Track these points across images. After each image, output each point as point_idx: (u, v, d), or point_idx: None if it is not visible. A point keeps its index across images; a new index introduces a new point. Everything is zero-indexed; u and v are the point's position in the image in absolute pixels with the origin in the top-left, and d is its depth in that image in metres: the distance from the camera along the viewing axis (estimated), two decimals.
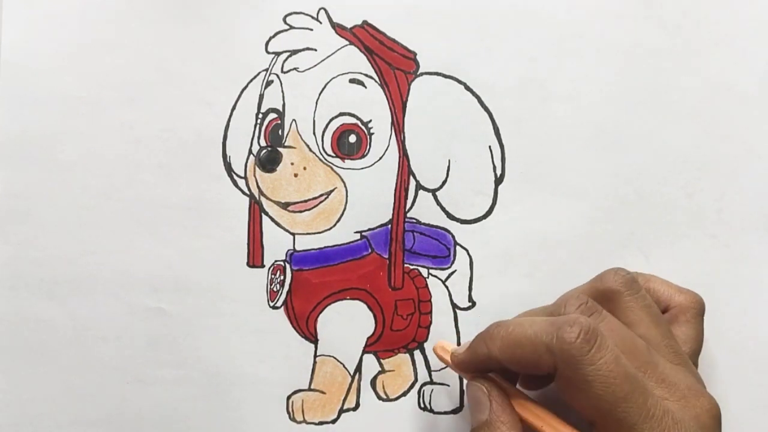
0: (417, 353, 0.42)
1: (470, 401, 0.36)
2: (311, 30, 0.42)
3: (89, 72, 0.42)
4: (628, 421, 0.31)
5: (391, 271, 0.42)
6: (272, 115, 0.42)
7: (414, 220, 0.42)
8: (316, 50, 0.42)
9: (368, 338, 0.42)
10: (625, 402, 0.31)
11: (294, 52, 0.42)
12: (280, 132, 0.42)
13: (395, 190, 0.42)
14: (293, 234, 0.42)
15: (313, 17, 0.42)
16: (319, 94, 0.42)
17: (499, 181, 0.42)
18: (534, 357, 0.33)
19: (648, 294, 0.37)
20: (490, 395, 0.35)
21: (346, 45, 0.42)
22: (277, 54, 0.42)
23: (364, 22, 0.42)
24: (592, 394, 0.31)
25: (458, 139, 0.42)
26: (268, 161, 0.42)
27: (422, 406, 0.42)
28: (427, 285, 0.42)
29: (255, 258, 0.42)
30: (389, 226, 0.42)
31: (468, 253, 0.42)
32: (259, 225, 0.42)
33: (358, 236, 0.42)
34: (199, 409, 0.41)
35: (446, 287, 0.42)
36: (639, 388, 0.31)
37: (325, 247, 0.42)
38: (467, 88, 0.42)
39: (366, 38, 0.42)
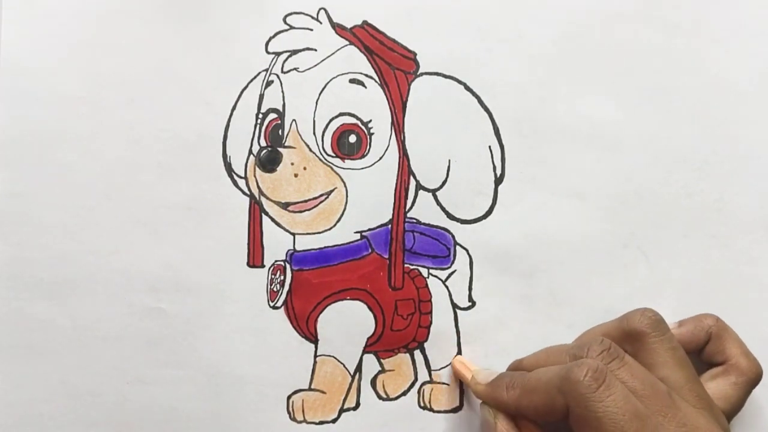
0: (417, 353, 0.42)
1: (481, 422, 0.39)
2: (311, 30, 0.42)
3: (89, 72, 0.42)
4: None
5: (391, 271, 0.42)
6: (272, 115, 0.42)
7: (414, 220, 0.42)
8: (316, 50, 0.42)
9: (368, 338, 0.42)
10: None
11: (294, 52, 0.42)
12: (280, 132, 0.42)
13: (395, 190, 0.42)
14: (293, 234, 0.42)
15: (313, 17, 0.42)
16: (319, 94, 0.42)
17: (499, 181, 0.42)
18: (548, 401, 0.34)
19: (717, 340, 0.38)
20: (496, 418, 0.37)
21: (346, 45, 0.42)
22: (277, 54, 0.42)
23: (364, 22, 0.42)
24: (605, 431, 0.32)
25: (458, 139, 0.42)
26: (268, 161, 0.42)
27: (422, 405, 0.42)
28: (427, 285, 0.42)
29: (255, 258, 0.42)
30: (389, 226, 0.42)
31: (468, 253, 0.42)
32: (259, 225, 0.42)
33: (358, 236, 0.42)
34: (199, 409, 0.41)
35: (446, 287, 0.42)
36: (650, 427, 0.32)
37: (325, 247, 0.42)
38: (467, 88, 0.42)
39: (366, 38, 0.42)
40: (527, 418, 0.36)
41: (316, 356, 0.42)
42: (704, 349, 0.39)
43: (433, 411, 0.42)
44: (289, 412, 0.41)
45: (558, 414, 0.34)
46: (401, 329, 0.42)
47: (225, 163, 0.42)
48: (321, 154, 0.42)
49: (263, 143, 0.42)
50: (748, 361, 0.38)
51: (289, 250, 0.42)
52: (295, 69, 0.42)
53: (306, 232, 0.42)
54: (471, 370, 0.40)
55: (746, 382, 0.37)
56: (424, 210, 0.42)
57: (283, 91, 0.42)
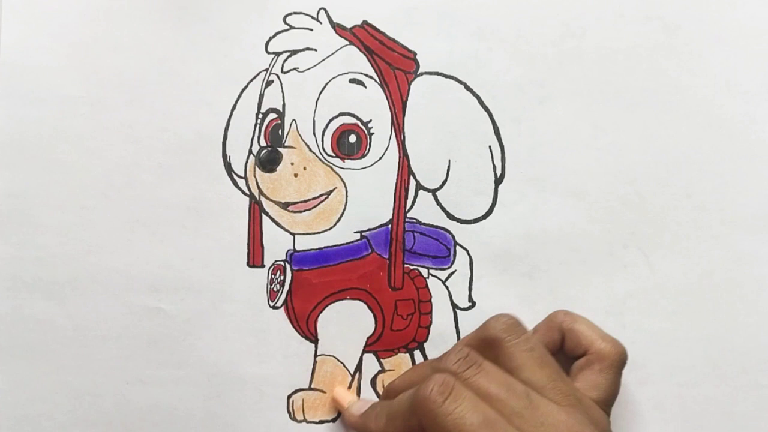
0: (417, 353, 0.42)
1: None
2: (311, 30, 0.42)
3: (89, 72, 0.42)
4: None
5: (391, 271, 0.42)
6: (272, 115, 0.42)
7: (414, 220, 0.42)
8: (316, 50, 0.42)
9: (368, 338, 0.42)
10: None
11: (294, 52, 0.42)
12: (280, 132, 0.42)
13: (395, 190, 0.42)
14: (293, 234, 0.42)
15: (313, 17, 0.42)
16: (319, 94, 0.42)
17: (499, 181, 0.42)
18: (406, 425, 0.34)
19: (570, 334, 0.38)
20: None
21: (346, 45, 0.42)
22: (277, 54, 0.42)
23: (364, 22, 0.42)
24: None
25: (458, 139, 0.42)
26: (268, 161, 0.42)
27: None
28: (427, 285, 0.42)
29: (255, 258, 0.42)
30: (389, 226, 0.42)
31: (468, 253, 0.42)
32: (259, 225, 0.42)
33: (358, 236, 0.42)
34: (199, 409, 0.41)
35: (446, 287, 0.42)
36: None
37: (325, 247, 0.42)
38: (467, 88, 0.42)
39: (366, 38, 0.42)
40: None
41: (316, 356, 0.42)
42: (563, 346, 0.38)
43: None
44: (289, 412, 0.41)
45: None
46: (401, 329, 0.42)
47: (225, 163, 0.42)
48: (321, 154, 0.42)
49: (263, 143, 0.42)
50: (607, 344, 0.37)
51: (289, 250, 0.42)
52: (295, 69, 0.42)
53: (306, 232, 0.42)
54: (347, 401, 0.40)
55: (610, 366, 0.37)
56: (424, 210, 0.42)
57: (283, 91, 0.42)
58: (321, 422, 0.41)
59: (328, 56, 0.42)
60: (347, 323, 0.42)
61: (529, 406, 0.32)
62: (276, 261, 0.42)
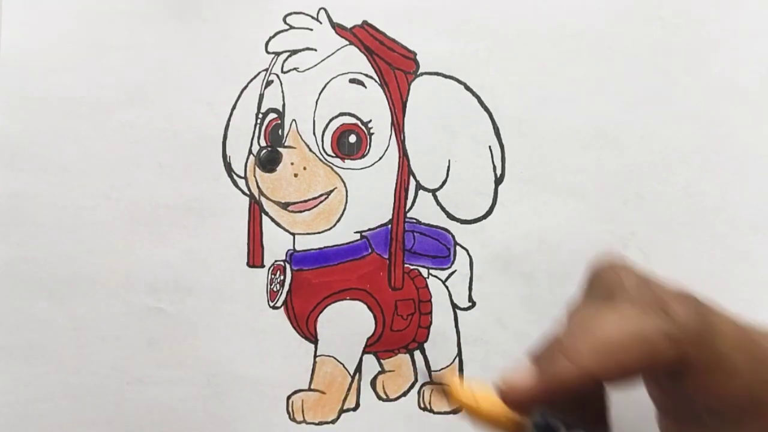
0: (417, 353, 0.42)
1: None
2: (311, 30, 0.42)
3: (89, 72, 0.42)
4: None
5: (391, 271, 0.42)
6: (272, 115, 0.42)
7: (414, 220, 0.42)
8: (316, 50, 0.42)
9: (368, 338, 0.42)
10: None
11: (294, 52, 0.42)
12: (280, 132, 0.42)
13: (395, 190, 0.42)
14: (293, 234, 0.42)
15: (313, 17, 0.42)
16: (319, 94, 0.42)
17: (499, 181, 0.42)
18: (647, 354, 0.26)
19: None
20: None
21: (346, 45, 0.42)
22: (277, 54, 0.42)
23: (364, 22, 0.42)
24: (738, 368, 0.27)
25: (458, 139, 0.42)
26: (268, 161, 0.42)
27: (422, 406, 0.42)
28: (427, 285, 0.42)
29: (255, 258, 0.42)
30: (389, 226, 0.42)
31: (468, 253, 0.42)
32: (259, 225, 0.42)
33: (358, 236, 0.42)
34: (199, 409, 0.41)
35: (446, 287, 0.42)
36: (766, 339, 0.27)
37: (325, 247, 0.42)
38: (467, 88, 0.42)
39: (366, 38, 0.42)
40: (594, 382, 0.27)
41: (315, 356, 0.42)
42: None
43: (433, 412, 0.42)
44: (288, 413, 0.41)
45: (660, 366, 0.27)
46: (401, 329, 0.42)
47: (225, 163, 0.42)
48: (321, 154, 0.42)
49: (263, 143, 0.42)
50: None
51: (289, 250, 0.42)
52: (295, 69, 0.42)
53: (306, 232, 0.42)
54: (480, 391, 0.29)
55: None
56: (424, 210, 0.42)
57: (283, 91, 0.42)
58: (320, 423, 0.41)
59: (328, 56, 0.42)
60: (347, 323, 0.42)
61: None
62: (276, 261, 0.42)
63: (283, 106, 0.42)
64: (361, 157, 0.42)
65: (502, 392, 0.28)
